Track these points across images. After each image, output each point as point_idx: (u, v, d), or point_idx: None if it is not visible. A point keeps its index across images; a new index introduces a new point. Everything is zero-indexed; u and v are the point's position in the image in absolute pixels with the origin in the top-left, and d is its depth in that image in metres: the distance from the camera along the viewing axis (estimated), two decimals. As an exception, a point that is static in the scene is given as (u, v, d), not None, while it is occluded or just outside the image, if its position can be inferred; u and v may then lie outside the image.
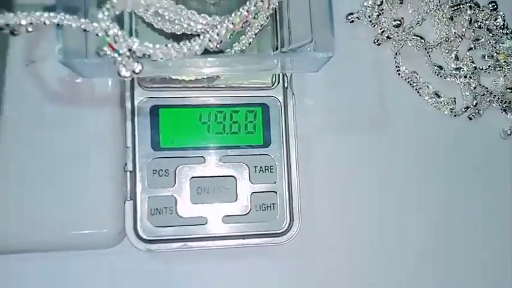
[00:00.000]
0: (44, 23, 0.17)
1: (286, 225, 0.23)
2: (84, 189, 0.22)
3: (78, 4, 0.18)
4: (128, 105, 0.22)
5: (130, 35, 0.21)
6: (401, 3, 0.27)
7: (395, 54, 0.27)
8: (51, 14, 0.17)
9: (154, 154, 0.23)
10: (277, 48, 0.23)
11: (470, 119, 0.28)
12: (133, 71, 0.17)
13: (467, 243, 0.27)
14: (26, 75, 0.22)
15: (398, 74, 0.27)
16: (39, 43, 0.22)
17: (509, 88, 0.28)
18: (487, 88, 0.28)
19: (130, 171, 0.22)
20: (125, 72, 0.17)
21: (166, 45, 0.17)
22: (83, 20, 0.17)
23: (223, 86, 0.23)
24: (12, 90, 0.22)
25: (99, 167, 0.22)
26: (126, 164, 0.22)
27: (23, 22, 0.17)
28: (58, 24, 0.17)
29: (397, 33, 0.27)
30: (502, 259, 0.27)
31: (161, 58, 0.17)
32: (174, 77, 0.22)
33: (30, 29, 0.17)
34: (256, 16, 0.20)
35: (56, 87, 0.22)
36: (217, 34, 0.18)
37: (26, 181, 0.22)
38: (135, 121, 0.22)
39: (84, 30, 0.17)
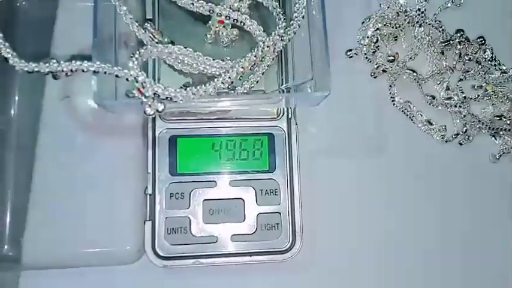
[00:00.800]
0: (83, 70, 0.20)
1: (289, 243, 0.25)
2: (108, 210, 0.24)
3: (109, 52, 0.21)
4: (150, 135, 0.25)
5: (154, 74, 0.24)
6: (395, 40, 0.29)
7: (390, 85, 0.29)
8: (89, 63, 0.19)
9: (172, 179, 0.25)
10: (282, 83, 0.26)
11: (460, 144, 0.29)
12: (157, 110, 0.20)
13: (460, 265, 0.28)
14: (60, 108, 0.25)
15: (394, 104, 0.29)
16: (72, 81, 0.25)
17: (497, 116, 0.30)
18: (476, 116, 0.29)
19: (150, 194, 0.24)
20: (150, 111, 0.20)
21: (185, 89, 0.20)
22: (115, 68, 0.19)
23: (234, 117, 0.26)
24: (48, 121, 0.25)
25: (123, 190, 0.25)
26: (146, 188, 0.24)
27: (65, 69, 0.19)
28: (94, 71, 0.20)
29: (391, 67, 0.29)
30: (494, 280, 0.28)
31: (181, 100, 0.20)
32: (190, 111, 0.25)
33: (69, 74, 0.20)
34: (263, 59, 0.22)
35: (86, 119, 0.25)
36: (229, 77, 0.21)
37: (59, 202, 0.24)
38: (155, 149, 0.25)
39: (117, 76, 0.20)
